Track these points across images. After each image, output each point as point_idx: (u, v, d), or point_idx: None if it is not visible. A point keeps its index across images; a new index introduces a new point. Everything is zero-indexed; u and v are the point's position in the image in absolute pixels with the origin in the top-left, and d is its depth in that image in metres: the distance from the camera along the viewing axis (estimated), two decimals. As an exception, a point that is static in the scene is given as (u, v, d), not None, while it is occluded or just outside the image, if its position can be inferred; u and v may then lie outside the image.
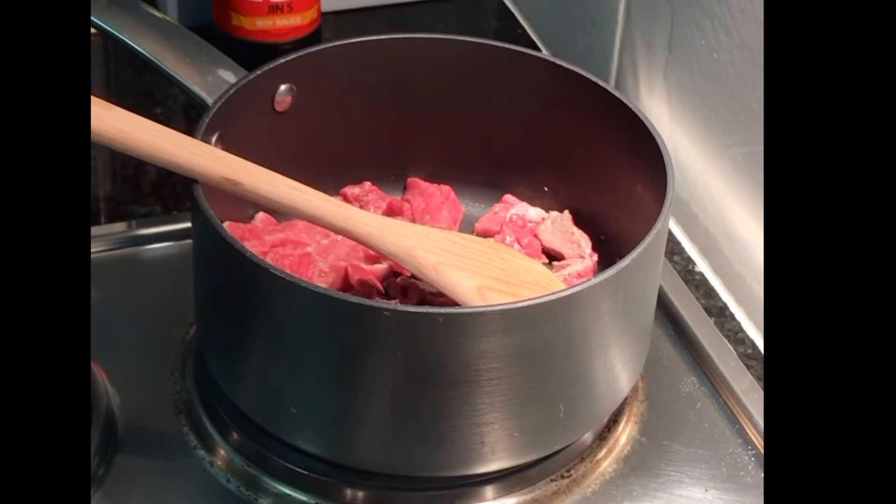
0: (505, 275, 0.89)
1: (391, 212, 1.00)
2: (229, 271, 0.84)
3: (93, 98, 0.79)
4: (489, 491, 0.89)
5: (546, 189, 1.02)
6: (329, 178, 1.02)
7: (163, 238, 1.05)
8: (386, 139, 1.02)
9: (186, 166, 0.84)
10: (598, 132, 0.97)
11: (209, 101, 0.91)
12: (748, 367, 0.98)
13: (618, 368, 0.88)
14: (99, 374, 0.91)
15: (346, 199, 1.02)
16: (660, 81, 1.11)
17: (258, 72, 0.94)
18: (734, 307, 1.03)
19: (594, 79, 0.96)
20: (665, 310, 1.01)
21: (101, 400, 0.89)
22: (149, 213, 1.08)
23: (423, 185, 1.02)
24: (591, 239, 1.00)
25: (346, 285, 0.93)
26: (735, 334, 1.01)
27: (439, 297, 0.91)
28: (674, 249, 1.08)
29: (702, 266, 1.07)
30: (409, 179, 1.03)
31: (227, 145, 0.92)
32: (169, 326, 0.97)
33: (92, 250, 1.01)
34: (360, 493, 0.89)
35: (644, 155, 0.91)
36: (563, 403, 0.86)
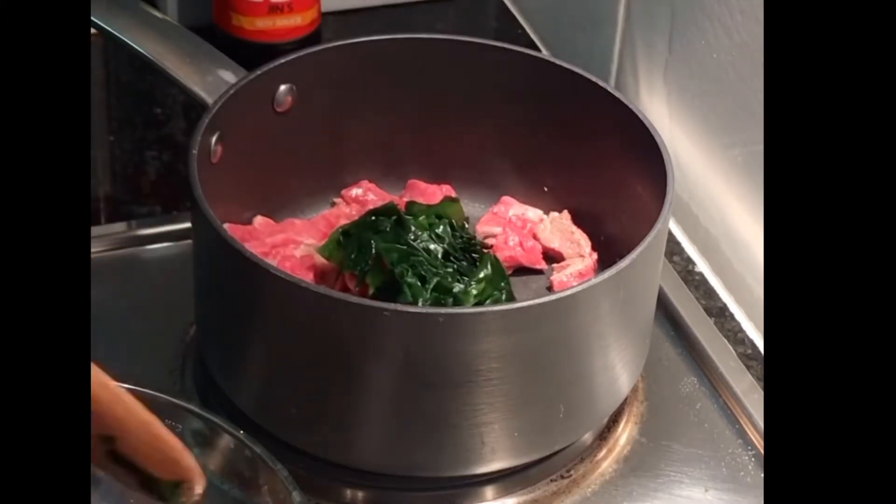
0: None
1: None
2: (229, 271, 0.84)
3: None
4: (489, 491, 0.89)
5: (546, 189, 1.02)
6: (329, 178, 1.02)
7: (163, 238, 1.05)
8: (386, 139, 1.02)
9: None
10: (598, 132, 0.97)
11: (209, 101, 0.91)
12: (748, 367, 0.98)
13: (618, 368, 0.88)
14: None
15: (346, 200, 1.02)
16: (660, 81, 1.11)
17: (258, 72, 0.94)
18: (734, 307, 1.03)
19: (594, 79, 0.96)
20: (665, 310, 1.01)
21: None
22: (149, 213, 1.08)
23: (423, 184, 1.02)
24: (591, 239, 1.00)
25: (346, 286, 0.93)
26: (735, 334, 1.01)
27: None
28: (674, 249, 1.08)
29: (702, 266, 1.07)
30: (409, 181, 1.03)
31: (227, 145, 0.92)
32: (169, 326, 0.97)
33: (92, 250, 1.01)
34: (360, 494, 0.89)
35: (644, 155, 0.92)
36: (563, 403, 0.86)
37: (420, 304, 0.88)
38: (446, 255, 0.92)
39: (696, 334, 1.00)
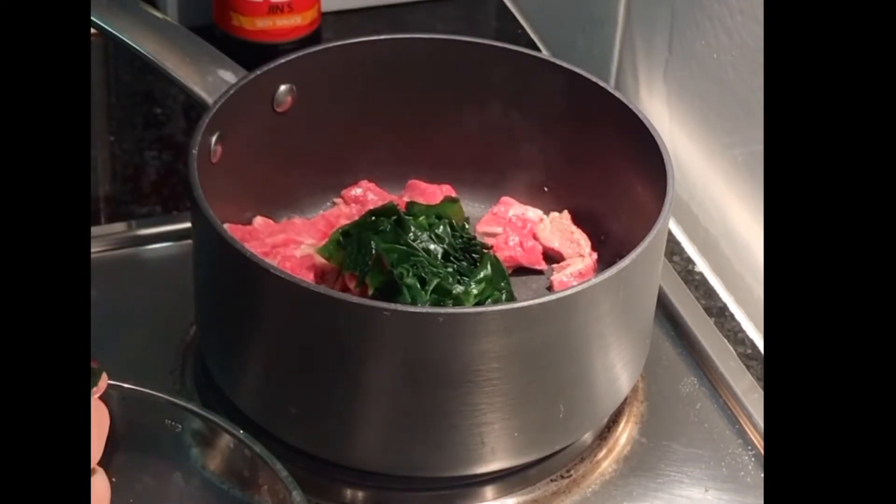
0: None
1: (391, 212, 1.00)
2: (229, 271, 0.84)
3: None
4: (489, 491, 0.89)
5: (546, 189, 1.02)
6: (329, 178, 1.02)
7: (163, 238, 1.05)
8: (386, 139, 1.02)
9: None
10: (598, 132, 0.97)
11: (209, 101, 0.91)
12: (748, 367, 0.98)
13: (618, 368, 0.88)
14: (99, 374, 0.91)
15: (346, 200, 1.02)
16: (660, 81, 1.11)
17: (258, 72, 0.94)
18: (734, 307, 1.03)
19: (594, 79, 0.96)
20: (665, 310, 1.01)
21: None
22: (149, 213, 1.08)
23: (423, 184, 1.02)
24: (591, 239, 1.00)
25: (346, 286, 0.93)
26: (735, 334, 1.01)
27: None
28: (674, 249, 1.08)
29: (702, 266, 1.07)
30: (409, 181, 1.03)
31: (227, 145, 0.92)
32: (169, 326, 0.97)
33: (92, 250, 1.01)
34: (360, 493, 0.89)
35: (644, 155, 0.92)
36: (563, 403, 0.86)
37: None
38: (446, 255, 0.92)
39: (696, 334, 1.00)
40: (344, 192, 1.02)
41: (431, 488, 0.89)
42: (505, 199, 1.02)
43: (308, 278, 0.93)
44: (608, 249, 0.98)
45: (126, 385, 0.81)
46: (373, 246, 0.91)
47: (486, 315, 0.81)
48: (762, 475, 0.91)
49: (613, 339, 0.86)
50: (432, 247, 0.92)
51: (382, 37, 0.99)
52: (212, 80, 0.93)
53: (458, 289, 0.90)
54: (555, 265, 1.00)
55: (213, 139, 0.90)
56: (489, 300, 0.91)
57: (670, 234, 1.08)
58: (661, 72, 1.10)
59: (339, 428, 0.85)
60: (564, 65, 0.98)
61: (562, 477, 0.90)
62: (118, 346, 0.94)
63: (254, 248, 0.91)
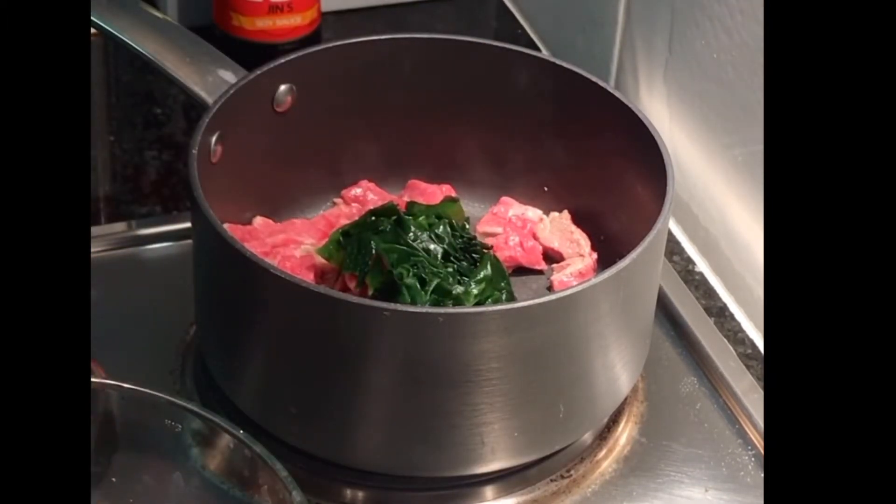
0: None
1: (391, 212, 1.00)
2: (229, 271, 0.84)
3: None
4: (489, 491, 0.89)
5: (546, 189, 1.02)
6: (329, 178, 1.02)
7: (163, 238, 1.05)
8: (386, 139, 1.02)
9: None
10: (598, 132, 0.97)
11: (209, 101, 0.91)
12: (748, 367, 0.98)
13: (618, 368, 0.88)
14: (99, 373, 0.91)
15: (346, 200, 1.02)
16: (660, 82, 1.11)
17: (258, 72, 0.94)
18: (734, 307, 1.03)
19: (594, 79, 0.96)
20: (665, 310, 1.01)
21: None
22: (149, 213, 1.08)
23: (423, 184, 1.02)
24: (591, 239, 1.00)
25: (346, 286, 0.93)
26: (735, 334, 1.01)
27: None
28: (674, 249, 1.08)
29: (702, 266, 1.07)
30: (409, 181, 1.03)
31: (227, 145, 0.92)
32: (169, 326, 0.97)
33: (92, 250, 1.01)
34: (360, 493, 0.89)
35: (644, 155, 0.92)
36: (563, 403, 0.86)
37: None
38: (446, 255, 0.92)
39: (696, 334, 1.00)
40: (344, 192, 1.02)
41: (431, 488, 0.89)
42: (505, 199, 1.02)
43: (308, 278, 0.93)
44: (608, 249, 0.98)
45: (126, 385, 0.81)
46: (373, 246, 0.91)
47: (486, 315, 0.81)
48: (762, 475, 0.91)
49: (613, 339, 0.86)
50: (432, 247, 0.92)
51: (382, 37, 0.99)
52: (212, 80, 0.93)
53: (458, 289, 0.90)
54: (555, 265, 1.00)
55: (213, 139, 0.90)
56: (489, 300, 0.91)
57: (670, 234, 1.08)
58: (661, 72, 1.10)
59: (339, 428, 0.85)
60: (564, 65, 0.98)
61: (562, 477, 0.90)
62: (118, 346, 0.94)
63: (254, 248, 0.91)
